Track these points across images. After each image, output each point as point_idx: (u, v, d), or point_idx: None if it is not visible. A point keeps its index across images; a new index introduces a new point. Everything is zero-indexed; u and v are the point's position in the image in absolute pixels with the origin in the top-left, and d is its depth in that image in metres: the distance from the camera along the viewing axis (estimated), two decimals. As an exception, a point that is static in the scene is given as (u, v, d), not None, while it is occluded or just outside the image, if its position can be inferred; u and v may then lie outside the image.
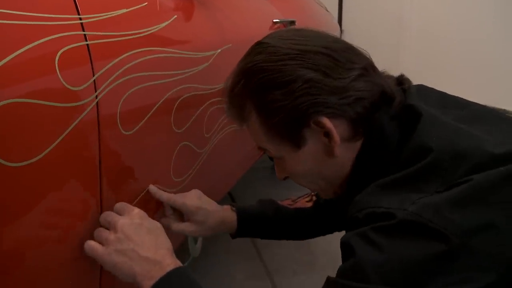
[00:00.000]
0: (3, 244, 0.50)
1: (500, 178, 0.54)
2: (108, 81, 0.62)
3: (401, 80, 0.69)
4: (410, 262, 0.52)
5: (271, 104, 0.63)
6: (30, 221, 0.53)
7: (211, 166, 1.02)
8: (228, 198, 1.77)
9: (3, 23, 0.48)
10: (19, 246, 0.52)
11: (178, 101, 0.81)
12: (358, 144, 0.65)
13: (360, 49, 0.67)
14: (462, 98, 0.72)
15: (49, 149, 0.53)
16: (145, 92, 0.70)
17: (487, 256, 0.52)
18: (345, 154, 0.65)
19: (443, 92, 0.73)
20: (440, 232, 0.51)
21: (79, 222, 0.62)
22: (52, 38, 0.53)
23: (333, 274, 0.58)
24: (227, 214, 0.88)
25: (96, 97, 0.60)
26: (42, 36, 0.52)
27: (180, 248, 0.91)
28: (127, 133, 0.67)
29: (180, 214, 0.84)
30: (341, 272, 0.57)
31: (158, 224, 0.69)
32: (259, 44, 0.67)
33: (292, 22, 1.51)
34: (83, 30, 0.59)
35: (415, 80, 0.72)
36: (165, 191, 0.80)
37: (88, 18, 0.60)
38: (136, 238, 0.64)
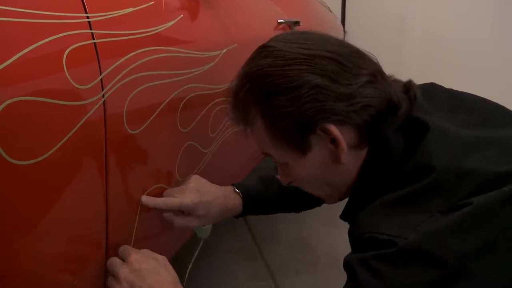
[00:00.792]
0: (8, 243, 0.50)
1: (501, 199, 0.53)
2: (115, 80, 0.62)
3: (409, 87, 0.68)
4: None
5: (276, 109, 0.62)
6: (36, 220, 0.53)
7: (216, 166, 1.02)
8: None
9: (11, 21, 0.48)
10: (24, 245, 0.52)
11: (184, 100, 0.81)
12: (363, 153, 0.65)
13: (367, 53, 0.66)
14: (471, 96, 0.71)
15: (55, 148, 0.53)
16: (151, 91, 0.70)
17: (487, 278, 0.52)
18: (351, 161, 0.64)
19: (453, 92, 0.72)
20: (440, 260, 0.51)
21: (85, 221, 0.62)
22: (60, 37, 0.53)
23: (335, 274, 0.59)
24: (229, 199, 0.87)
25: (103, 95, 0.60)
26: (50, 34, 0.52)
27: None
28: (133, 132, 0.67)
29: None
30: None
31: (157, 258, 0.70)
32: (264, 47, 0.65)
33: (297, 23, 1.51)
34: (91, 29, 0.58)
35: (418, 82, 0.71)
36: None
37: (96, 16, 0.60)
38: (140, 285, 0.65)
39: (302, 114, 0.61)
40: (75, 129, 0.55)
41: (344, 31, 3.31)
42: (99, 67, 0.59)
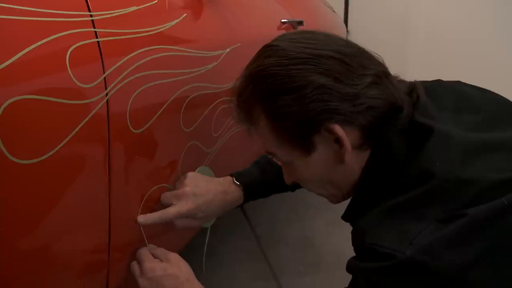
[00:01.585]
0: (12, 242, 0.50)
1: (498, 209, 0.53)
2: (118, 79, 0.62)
3: (413, 88, 0.67)
4: None
5: (281, 109, 0.62)
6: (40, 218, 0.53)
7: (219, 166, 1.01)
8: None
9: (14, 19, 0.48)
10: (27, 244, 0.52)
11: (187, 100, 0.81)
12: (366, 154, 0.64)
13: (373, 54, 0.66)
14: (477, 92, 0.71)
15: (59, 147, 0.53)
16: (154, 91, 0.70)
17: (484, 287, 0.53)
18: (354, 161, 0.64)
19: (459, 88, 0.72)
20: (437, 270, 0.52)
21: (88, 220, 0.62)
22: (63, 35, 0.53)
23: (338, 274, 0.59)
24: (229, 193, 0.86)
25: (106, 94, 0.59)
26: (53, 32, 0.52)
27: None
28: (136, 131, 0.67)
29: None
30: None
31: (170, 258, 0.74)
32: (268, 46, 0.65)
33: (300, 22, 1.51)
34: (94, 27, 0.58)
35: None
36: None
37: (99, 15, 0.60)
38: None
39: (307, 114, 0.60)
40: (78, 128, 0.55)
41: (347, 31, 3.30)
42: (103, 65, 0.59)
